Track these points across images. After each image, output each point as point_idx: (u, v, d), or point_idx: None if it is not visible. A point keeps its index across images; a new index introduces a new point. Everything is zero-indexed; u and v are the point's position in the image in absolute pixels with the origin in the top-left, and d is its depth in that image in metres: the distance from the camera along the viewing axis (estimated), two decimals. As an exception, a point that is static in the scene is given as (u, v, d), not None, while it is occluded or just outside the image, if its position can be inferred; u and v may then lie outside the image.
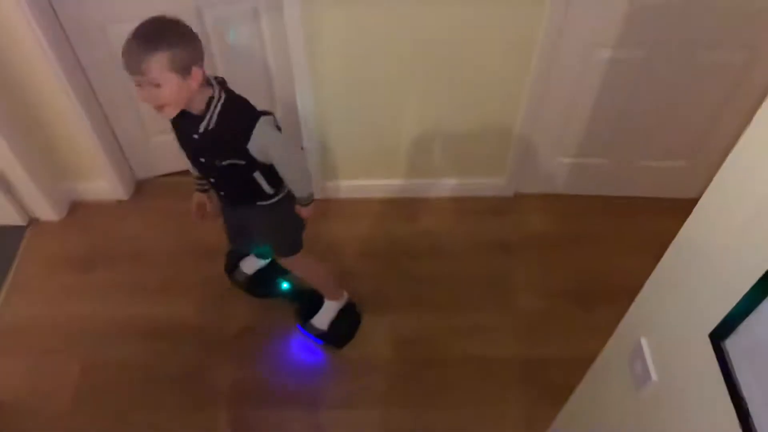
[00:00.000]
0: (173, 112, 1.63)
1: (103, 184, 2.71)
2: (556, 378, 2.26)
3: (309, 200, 1.92)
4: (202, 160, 1.78)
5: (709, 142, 2.49)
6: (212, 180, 1.89)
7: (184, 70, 1.54)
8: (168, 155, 2.79)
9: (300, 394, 2.24)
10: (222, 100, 1.67)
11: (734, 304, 0.91)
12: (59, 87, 2.28)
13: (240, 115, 1.70)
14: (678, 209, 1.19)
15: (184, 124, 1.70)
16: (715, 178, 0.99)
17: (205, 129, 1.67)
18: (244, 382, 2.27)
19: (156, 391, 2.24)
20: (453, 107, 2.43)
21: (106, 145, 2.58)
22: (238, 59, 2.51)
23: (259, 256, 2.44)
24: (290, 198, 1.92)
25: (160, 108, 1.59)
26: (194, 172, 1.93)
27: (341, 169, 2.70)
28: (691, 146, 2.54)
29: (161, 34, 1.51)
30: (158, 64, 1.50)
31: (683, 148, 2.56)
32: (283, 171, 1.80)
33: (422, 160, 2.66)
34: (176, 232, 2.68)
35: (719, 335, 0.96)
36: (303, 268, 2.22)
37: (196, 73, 1.57)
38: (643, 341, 1.22)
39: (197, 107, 1.65)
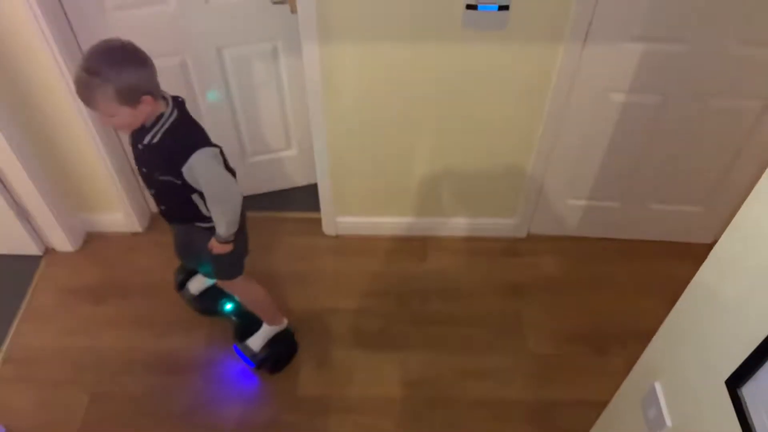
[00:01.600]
0: (129, 131, 1.77)
1: (119, 217, 2.74)
2: (567, 422, 2.23)
3: (225, 240, 1.92)
4: (144, 170, 1.83)
5: (722, 188, 2.50)
6: (153, 192, 1.91)
7: (133, 101, 1.60)
8: (184, 189, 2.83)
9: (308, 433, 2.22)
10: (172, 119, 1.73)
11: (751, 351, 0.91)
12: (80, 121, 2.33)
13: (185, 137, 1.75)
14: (691, 254, 1.20)
15: (134, 132, 1.77)
16: (731, 224, 0.99)
17: (149, 142, 1.72)
18: (250, 418, 2.25)
19: (163, 425, 2.23)
20: (465, 147, 2.45)
21: (123, 178, 2.61)
22: (257, 97, 2.56)
23: (205, 274, 2.44)
24: None
25: (117, 129, 1.70)
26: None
27: (353, 206, 2.72)
28: (704, 191, 2.55)
29: (108, 67, 1.55)
30: (106, 100, 1.57)
31: (697, 193, 2.56)
32: (209, 205, 1.83)
33: (434, 198, 2.67)
34: (189, 265, 2.69)
35: (736, 382, 0.96)
36: (241, 291, 2.24)
37: (147, 99, 1.63)
38: (658, 386, 1.21)
39: (149, 120, 1.72)
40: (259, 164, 2.84)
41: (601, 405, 1.68)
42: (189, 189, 1.80)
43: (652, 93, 2.20)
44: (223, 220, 1.85)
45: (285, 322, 2.38)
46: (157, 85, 1.68)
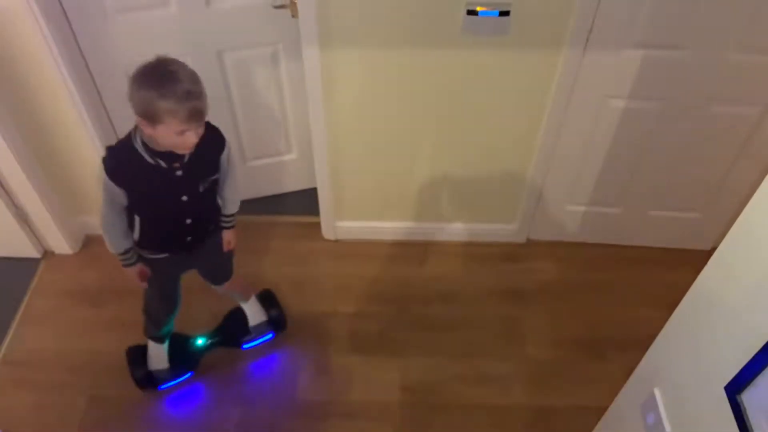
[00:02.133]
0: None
1: (118, 220, 2.74)
2: (566, 428, 2.23)
3: (234, 220, 1.99)
4: (185, 198, 1.77)
5: (722, 195, 2.50)
6: (189, 221, 1.85)
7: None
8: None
9: (306, 437, 2.21)
10: None
11: (751, 357, 0.90)
12: (79, 123, 2.33)
13: (212, 130, 1.76)
14: (691, 260, 1.20)
15: (160, 170, 1.68)
16: (731, 231, 0.99)
17: (190, 155, 1.69)
18: (249, 423, 2.24)
19: (161, 429, 2.22)
20: (465, 153, 2.45)
21: (123, 181, 2.61)
22: (257, 101, 2.56)
23: (224, 280, 2.29)
24: None
25: (190, 147, 1.63)
26: (120, 247, 1.85)
27: (353, 210, 2.72)
28: (704, 198, 2.55)
29: (195, 78, 1.57)
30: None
31: (696, 199, 2.56)
32: (232, 185, 1.89)
33: (434, 203, 2.68)
34: (188, 269, 2.69)
35: (735, 388, 0.95)
36: (240, 278, 2.27)
37: None
38: (657, 392, 1.21)
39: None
40: (259, 168, 2.84)
41: (600, 411, 1.67)
42: (218, 181, 1.84)
43: (651, 99, 2.21)
44: (238, 196, 1.94)
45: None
46: None
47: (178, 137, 1.56)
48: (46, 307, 2.57)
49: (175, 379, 2.31)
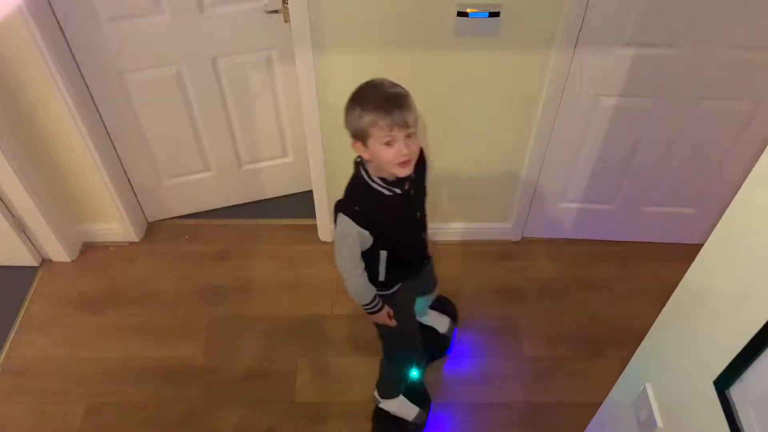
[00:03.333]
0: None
1: (115, 227, 2.75)
2: (563, 424, 2.24)
3: None
4: (419, 214, 1.81)
5: (714, 189, 2.52)
6: (423, 234, 1.89)
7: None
8: (179, 198, 2.85)
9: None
10: None
11: (738, 352, 0.92)
12: (75, 131, 2.34)
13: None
14: (684, 255, 1.21)
15: (396, 196, 1.66)
16: (718, 226, 1.01)
17: (414, 172, 1.63)
18: (249, 425, 2.26)
19: (161, 434, 2.24)
20: (460, 153, 2.47)
21: (119, 188, 2.62)
22: (252, 105, 2.58)
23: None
24: None
25: (408, 163, 1.57)
26: (368, 298, 1.82)
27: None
28: (696, 193, 2.57)
29: (398, 90, 1.56)
30: (414, 110, 1.55)
31: (688, 194, 2.58)
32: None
33: (429, 203, 2.68)
34: (185, 274, 2.70)
35: (724, 383, 0.97)
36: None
37: None
38: (648, 387, 1.23)
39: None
40: (255, 172, 2.85)
41: (596, 407, 1.68)
42: None
43: (642, 97, 2.22)
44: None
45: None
46: None
47: (389, 150, 1.53)
48: (44, 315, 2.57)
49: (425, 410, 2.26)
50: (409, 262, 1.92)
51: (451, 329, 2.45)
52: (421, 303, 2.29)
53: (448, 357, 2.43)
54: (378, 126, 1.50)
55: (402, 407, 2.23)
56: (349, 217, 1.64)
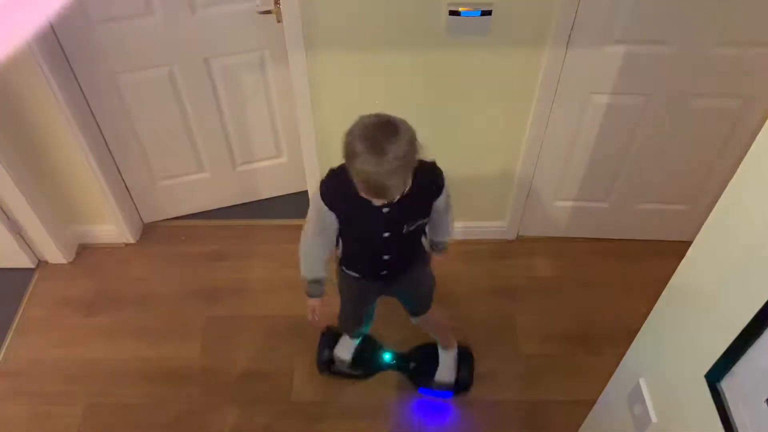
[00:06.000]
0: None
1: (111, 228, 2.76)
2: (560, 421, 2.25)
3: (443, 246, 1.97)
4: (386, 234, 1.70)
5: (706, 186, 2.53)
6: (386, 257, 1.80)
7: (412, 166, 1.51)
8: (174, 199, 2.85)
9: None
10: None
11: (727, 346, 0.93)
12: (69, 133, 2.34)
13: (431, 175, 1.70)
14: (679, 252, 1.21)
15: (367, 203, 1.57)
16: (707, 222, 1.02)
17: (401, 197, 1.55)
18: (246, 424, 2.26)
19: (158, 435, 2.24)
20: (454, 152, 2.46)
21: (115, 189, 2.63)
22: (246, 106, 2.58)
23: (363, 332, 2.35)
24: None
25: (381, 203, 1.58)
26: (311, 274, 1.82)
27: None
28: (689, 190, 2.58)
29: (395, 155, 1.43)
30: (402, 186, 1.50)
31: (681, 192, 2.59)
32: (447, 216, 1.83)
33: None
34: (181, 275, 2.71)
35: (714, 376, 0.98)
36: (438, 315, 2.19)
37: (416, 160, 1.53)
38: (642, 383, 1.24)
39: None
40: (250, 172, 2.86)
41: (591, 404, 1.70)
42: (426, 224, 1.79)
43: (635, 94, 2.23)
44: (450, 233, 1.91)
45: (455, 341, 2.33)
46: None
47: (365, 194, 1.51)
48: (40, 317, 2.58)
49: (349, 374, 2.35)
50: (365, 267, 1.89)
51: (444, 386, 2.31)
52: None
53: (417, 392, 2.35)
54: (359, 186, 1.48)
55: (345, 343, 2.34)
56: (320, 191, 1.65)
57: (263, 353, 2.45)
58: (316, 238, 1.74)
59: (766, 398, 0.87)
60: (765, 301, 0.84)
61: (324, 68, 2.17)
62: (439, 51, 2.11)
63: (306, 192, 2.65)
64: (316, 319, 1.94)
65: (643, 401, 1.22)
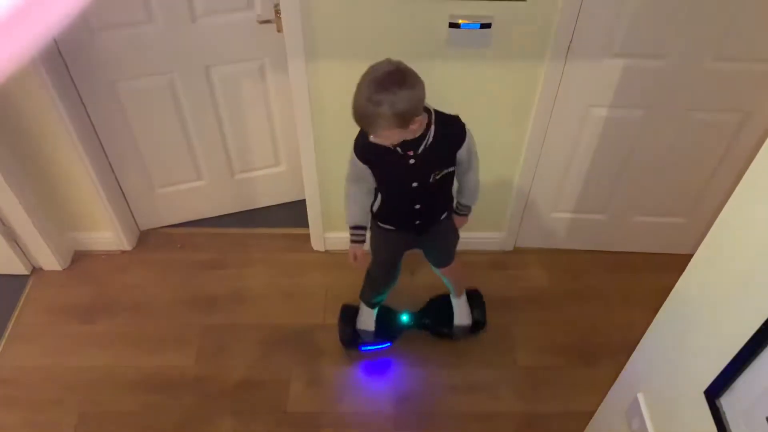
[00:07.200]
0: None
1: (107, 235, 2.75)
2: (557, 434, 2.25)
3: (468, 210, 2.09)
4: (415, 184, 1.83)
5: (705, 200, 2.53)
6: (417, 206, 1.93)
7: (406, 124, 1.61)
8: (171, 207, 2.85)
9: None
10: (434, 118, 1.75)
11: (727, 362, 0.93)
12: (68, 139, 2.33)
13: (453, 125, 1.81)
14: (676, 265, 1.22)
15: (395, 154, 1.74)
16: (707, 237, 1.02)
17: (425, 147, 1.74)
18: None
19: (153, 444, 2.23)
20: (453, 163, 2.47)
21: (111, 196, 2.62)
22: (245, 115, 2.58)
23: (391, 286, 2.41)
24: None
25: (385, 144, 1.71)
26: (353, 221, 1.99)
27: (342, 221, 2.71)
28: (686, 203, 2.58)
29: (387, 96, 1.56)
30: (384, 127, 1.60)
31: (680, 205, 2.60)
32: (473, 176, 1.94)
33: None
34: (177, 282, 2.70)
35: (714, 393, 0.97)
36: (459, 266, 2.33)
37: (417, 120, 1.64)
38: (641, 397, 1.23)
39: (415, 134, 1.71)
40: (248, 181, 2.86)
41: (589, 417, 1.69)
42: (453, 174, 1.89)
43: (633, 108, 2.24)
44: (479, 185, 2.00)
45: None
46: (423, 104, 1.69)
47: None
48: (35, 324, 2.56)
49: (376, 345, 2.44)
50: (399, 217, 2.01)
51: (463, 331, 2.47)
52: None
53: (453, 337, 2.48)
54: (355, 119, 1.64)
55: (365, 314, 2.41)
56: (354, 144, 1.81)
57: (259, 362, 2.44)
58: (354, 185, 1.91)
59: (766, 415, 0.87)
60: (766, 317, 0.84)
61: (324, 78, 2.17)
62: (438, 63, 2.12)
63: (304, 201, 2.65)
64: (357, 263, 2.07)
65: (642, 416, 1.21)
